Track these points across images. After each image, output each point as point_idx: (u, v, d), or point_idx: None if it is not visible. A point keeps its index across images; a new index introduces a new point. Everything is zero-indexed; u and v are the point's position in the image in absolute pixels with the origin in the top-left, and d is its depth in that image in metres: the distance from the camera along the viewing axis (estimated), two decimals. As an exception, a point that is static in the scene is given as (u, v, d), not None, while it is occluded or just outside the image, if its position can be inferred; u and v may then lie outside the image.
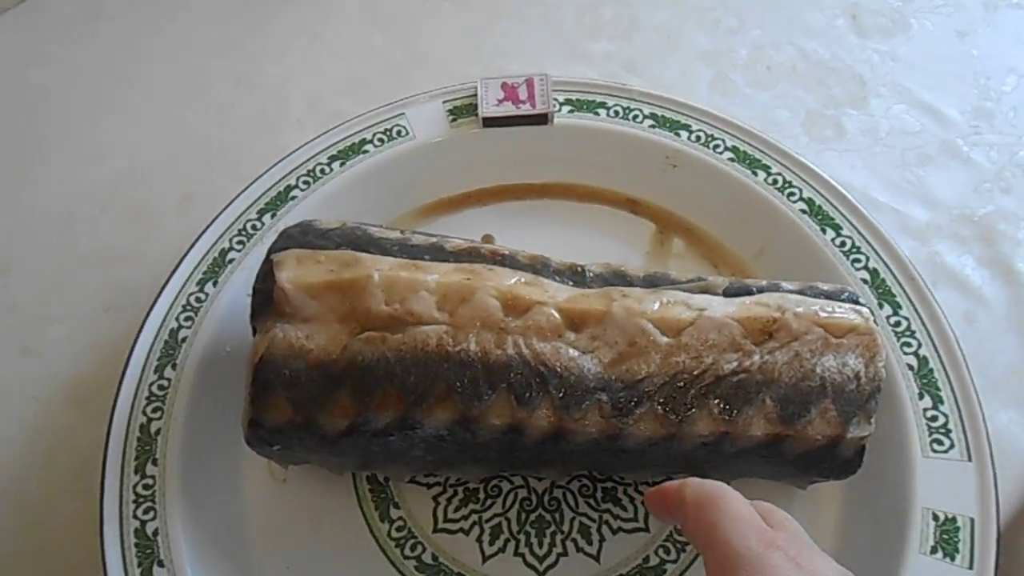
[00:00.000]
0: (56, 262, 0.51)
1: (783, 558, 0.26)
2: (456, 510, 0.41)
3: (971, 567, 0.35)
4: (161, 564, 0.37)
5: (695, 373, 0.35)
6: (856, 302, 0.37)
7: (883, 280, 0.42)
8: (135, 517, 0.37)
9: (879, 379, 0.35)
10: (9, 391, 0.46)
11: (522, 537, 0.40)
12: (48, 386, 0.46)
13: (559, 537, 0.40)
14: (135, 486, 0.38)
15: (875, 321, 0.36)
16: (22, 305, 0.49)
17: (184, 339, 0.42)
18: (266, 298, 0.37)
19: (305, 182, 0.47)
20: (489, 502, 0.41)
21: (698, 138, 0.48)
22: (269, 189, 0.47)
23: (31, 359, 0.47)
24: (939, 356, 0.40)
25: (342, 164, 0.48)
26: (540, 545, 0.40)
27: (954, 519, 0.36)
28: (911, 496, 0.37)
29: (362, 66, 0.59)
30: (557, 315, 0.35)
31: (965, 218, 0.49)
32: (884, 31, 0.58)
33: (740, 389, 0.35)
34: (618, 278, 0.38)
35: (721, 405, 0.35)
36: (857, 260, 0.43)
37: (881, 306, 0.42)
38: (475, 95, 0.49)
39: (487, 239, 0.48)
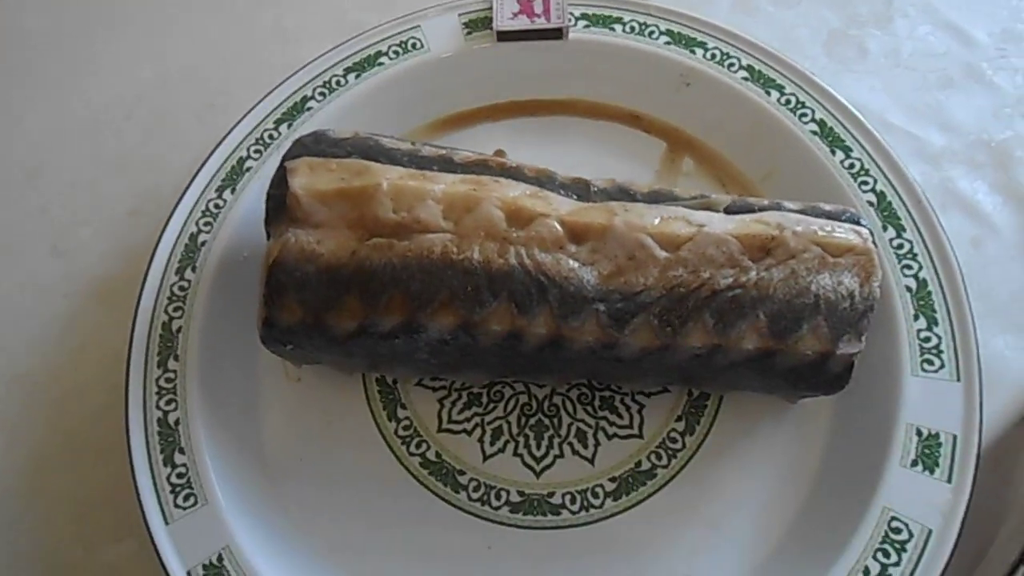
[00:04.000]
0: (84, 167, 0.52)
1: None
2: (460, 412, 0.43)
3: (949, 480, 0.37)
4: (182, 451, 0.39)
5: (691, 287, 0.36)
6: (856, 222, 0.38)
7: (889, 203, 0.43)
8: (158, 408, 0.40)
9: (873, 299, 0.36)
10: (41, 289, 0.48)
11: (521, 439, 0.42)
12: (77, 284, 0.48)
13: (556, 440, 0.42)
14: (158, 379, 0.40)
15: (874, 242, 0.37)
16: (52, 208, 0.51)
17: (203, 243, 0.44)
18: (280, 204, 0.38)
19: (321, 93, 0.48)
20: (491, 406, 0.43)
21: (713, 56, 0.48)
22: (285, 100, 0.48)
23: (60, 259, 0.49)
24: (939, 279, 0.41)
25: (357, 76, 0.48)
26: (538, 447, 0.42)
27: (937, 435, 0.38)
28: (897, 412, 0.38)
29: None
30: (559, 227, 0.36)
31: (982, 143, 0.49)
32: (917, -52, 0.57)
33: (735, 304, 0.36)
34: (622, 193, 0.39)
35: (715, 319, 0.36)
36: (865, 183, 0.43)
37: (885, 228, 0.42)
38: (491, 8, 0.49)
39: (499, 154, 0.48)
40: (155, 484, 0.38)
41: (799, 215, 0.38)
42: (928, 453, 0.37)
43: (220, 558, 0.37)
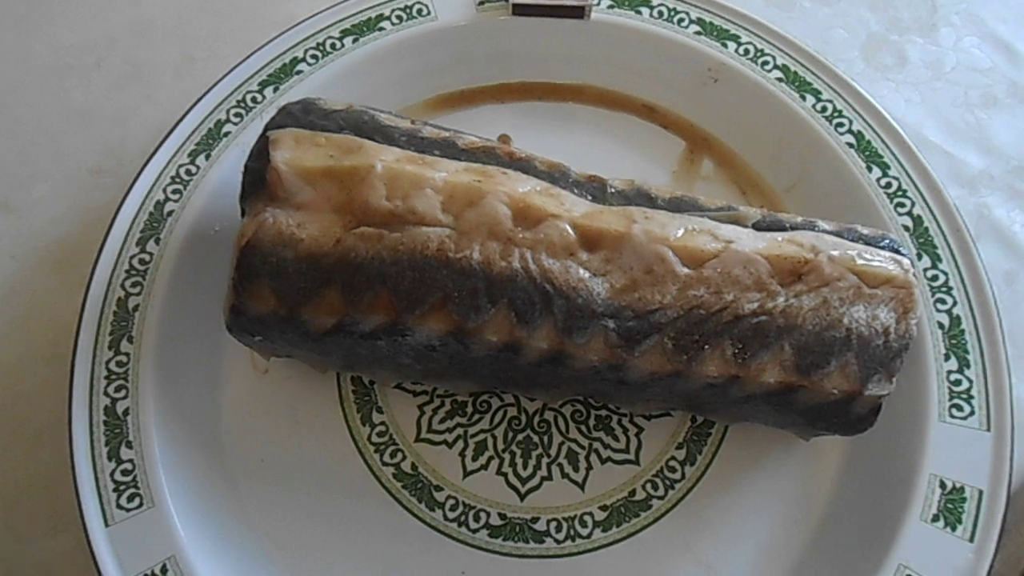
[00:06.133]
0: (44, 116, 0.47)
1: None
2: (441, 421, 0.39)
3: (972, 540, 0.34)
4: (129, 445, 0.35)
5: (712, 310, 0.32)
6: (897, 251, 0.34)
7: (926, 229, 0.39)
8: (106, 394, 0.36)
9: (909, 337, 0.33)
10: (-14, 247, 0.44)
11: (507, 456, 0.38)
12: (27, 246, 0.44)
13: (545, 460, 0.38)
14: (108, 362, 0.36)
15: (914, 274, 0.33)
16: (5, 159, 0.46)
17: (170, 213, 0.39)
18: (258, 178, 0.34)
19: (313, 56, 0.43)
20: (476, 417, 0.39)
21: (746, 52, 0.44)
22: (273, 60, 0.43)
23: (11, 216, 0.44)
24: (974, 318, 0.37)
25: (355, 40, 0.44)
26: (524, 466, 0.38)
27: (962, 489, 0.34)
28: (920, 460, 0.35)
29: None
30: (571, 231, 0.33)
31: (1022, 170, 0.46)
32: (966, -48, 0.53)
33: (758, 332, 0.32)
34: (642, 197, 0.35)
35: (736, 347, 0.32)
36: (901, 205, 0.40)
37: (920, 257, 0.39)
38: (508, -24, 0.45)
39: (503, 139, 0.45)
40: (96, 481, 0.35)
41: (835, 238, 0.34)
42: (951, 508, 0.34)
43: (164, 569, 0.34)
